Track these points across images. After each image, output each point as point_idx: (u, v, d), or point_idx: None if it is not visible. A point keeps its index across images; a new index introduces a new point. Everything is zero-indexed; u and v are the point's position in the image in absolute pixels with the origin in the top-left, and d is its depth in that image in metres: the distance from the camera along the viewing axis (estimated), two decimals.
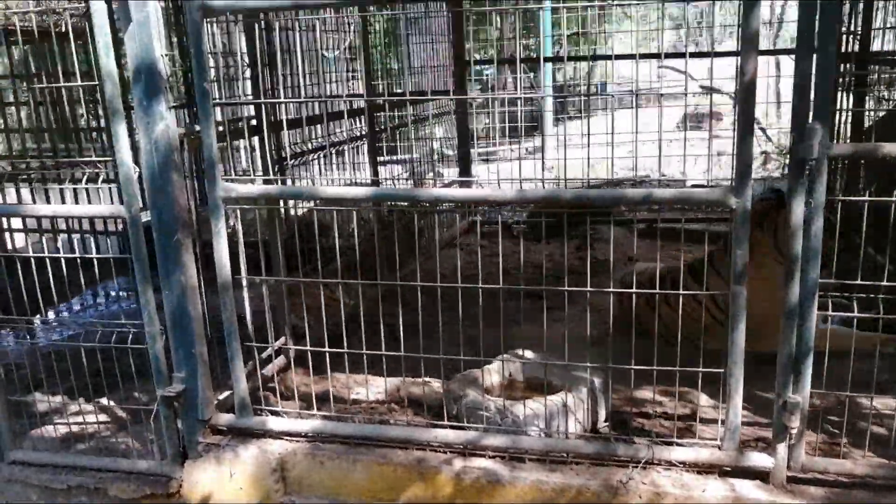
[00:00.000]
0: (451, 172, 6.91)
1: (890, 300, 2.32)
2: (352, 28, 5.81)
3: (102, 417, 3.25)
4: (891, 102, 4.56)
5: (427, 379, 3.22)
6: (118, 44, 2.58)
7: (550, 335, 3.16)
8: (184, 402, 2.75)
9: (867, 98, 4.45)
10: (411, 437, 2.65)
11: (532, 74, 9.96)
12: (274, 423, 2.78)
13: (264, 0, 2.51)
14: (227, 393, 2.96)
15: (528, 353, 3.16)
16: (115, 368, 2.92)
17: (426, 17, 6.24)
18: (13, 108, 6.06)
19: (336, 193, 2.52)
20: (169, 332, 2.71)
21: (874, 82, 4.17)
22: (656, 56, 5.62)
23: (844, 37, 4.38)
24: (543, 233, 2.52)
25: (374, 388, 3.23)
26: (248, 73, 3.64)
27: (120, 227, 5.29)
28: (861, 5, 4.31)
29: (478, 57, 7.73)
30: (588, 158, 2.66)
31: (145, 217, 2.65)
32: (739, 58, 2.11)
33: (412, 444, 2.66)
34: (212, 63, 3.28)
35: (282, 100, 2.68)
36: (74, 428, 3.18)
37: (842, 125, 4.53)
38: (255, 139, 3.25)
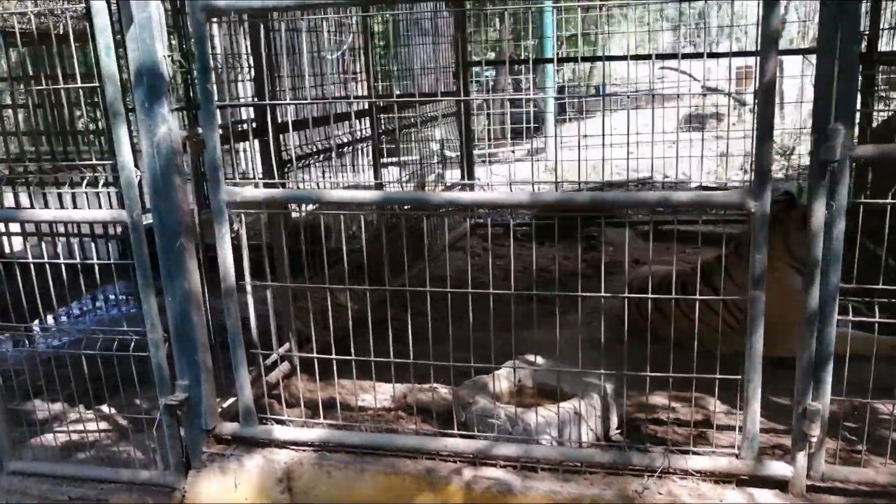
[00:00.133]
0: (452, 174, 6.86)
1: None
2: (351, 29, 5.75)
3: (103, 425, 3.19)
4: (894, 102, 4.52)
5: (435, 385, 3.16)
6: (117, 45, 2.52)
7: (555, 339, 3.12)
8: (187, 410, 2.68)
9: (873, 99, 4.42)
10: (420, 446, 2.59)
11: (532, 76, 9.91)
12: (279, 431, 2.72)
13: (269, 0, 2.45)
14: (230, 400, 2.90)
15: (538, 359, 3.10)
16: (116, 374, 2.86)
17: (426, 19, 6.19)
18: (10, 110, 6.00)
19: (343, 197, 2.46)
20: (172, 339, 2.65)
21: (885, 83, 4.13)
22: (656, 57, 5.59)
23: None
24: (556, 236, 2.45)
25: (380, 394, 3.17)
26: (246, 75, 3.59)
27: (119, 230, 5.23)
28: (868, 5, 4.28)
29: (476, 58, 7.66)
30: (583, 160, 2.61)
31: (146, 220, 2.59)
32: (759, 57, 2.05)
33: (421, 454, 2.60)
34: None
35: (288, 102, 2.62)
36: (75, 436, 3.12)
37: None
38: (254, 142, 3.21)
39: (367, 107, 5.14)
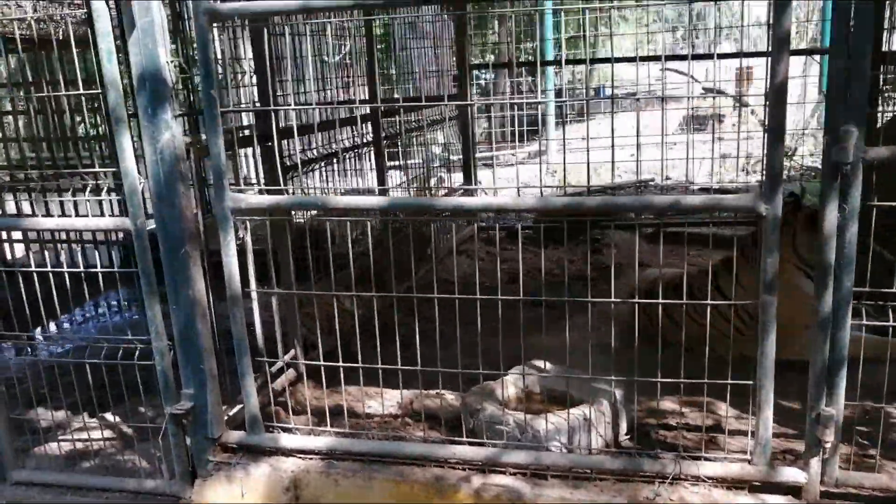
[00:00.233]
0: (453, 178, 6.84)
1: None
2: (352, 33, 5.74)
3: (107, 434, 3.17)
4: None
5: (441, 391, 3.14)
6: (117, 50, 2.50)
7: (562, 344, 3.08)
8: (192, 419, 2.66)
9: (879, 99, 4.39)
10: (429, 454, 2.56)
11: (532, 78, 9.89)
12: (286, 439, 2.69)
13: (272, 2, 2.42)
14: (237, 408, 2.88)
15: (545, 364, 3.08)
16: (121, 382, 2.83)
17: (425, 22, 6.17)
18: (10, 116, 5.98)
19: (350, 203, 2.44)
20: (177, 347, 2.62)
21: (890, 83, 4.11)
22: (655, 59, 5.57)
23: None
24: (565, 239, 2.43)
25: (387, 400, 3.15)
26: (245, 81, 3.56)
27: (120, 236, 5.20)
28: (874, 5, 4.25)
29: (475, 61, 7.65)
30: (585, 163, 2.57)
31: (149, 225, 2.56)
32: (769, 58, 2.03)
33: (429, 461, 2.58)
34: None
35: (293, 107, 2.59)
36: (79, 445, 3.09)
37: None
38: (254, 147, 3.17)
39: (367, 111, 5.12)
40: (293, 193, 3.05)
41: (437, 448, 2.57)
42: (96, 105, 5.07)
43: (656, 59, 5.33)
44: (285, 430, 2.78)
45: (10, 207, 5.48)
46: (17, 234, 5.05)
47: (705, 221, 5.48)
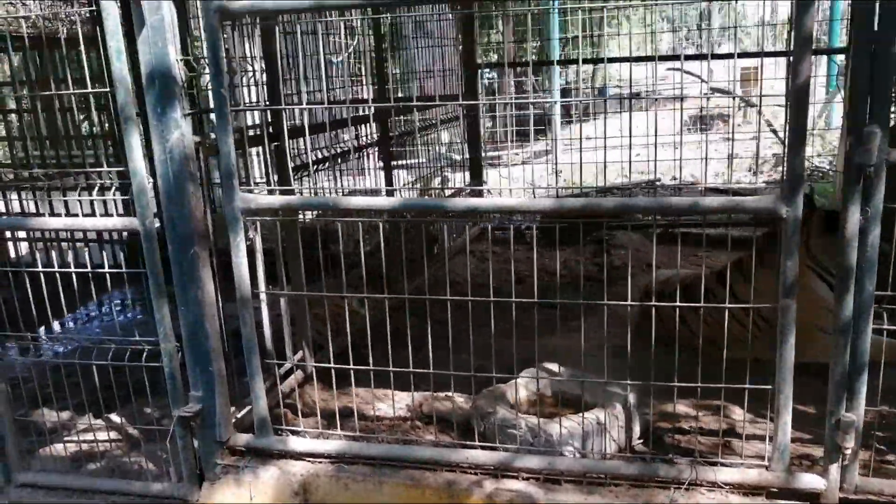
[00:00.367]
0: (457, 178, 6.81)
1: None
2: (357, 32, 5.70)
3: (114, 435, 3.14)
4: None
5: (451, 394, 3.11)
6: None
7: (573, 346, 3.04)
8: (201, 421, 2.62)
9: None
10: (440, 458, 2.53)
11: (537, 78, 9.86)
12: (296, 443, 2.65)
13: (284, 1, 2.39)
14: (244, 410, 2.84)
15: (556, 367, 3.04)
16: (127, 383, 2.80)
17: (430, 21, 6.14)
18: (13, 115, 5.96)
19: (361, 204, 2.40)
20: (185, 349, 2.59)
21: None
22: (673, 58, 5.52)
23: None
24: (581, 238, 2.41)
25: (396, 402, 3.11)
26: (251, 80, 3.51)
27: (124, 236, 5.18)
28: None
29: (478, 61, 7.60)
30: (592, 163, 2.54)
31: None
32: (791, 58, 1.99)
33: (441, 465, 2.54)
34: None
35: (305, 106, 2.56)
36: (84, 446, 3.06)
37: None
38: (264, 146, 3.14)
39: (371, 110, 5.08)
40: (302, 194, 3.02)
41: (449, 452, 2.54)
42: (103, 103, 5.06)
43: (675, 58, 5.29)
44: (294, 432, 2.74)
45: (12, 206, 5.47)
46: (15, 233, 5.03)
47: (715, 223, 5.45)
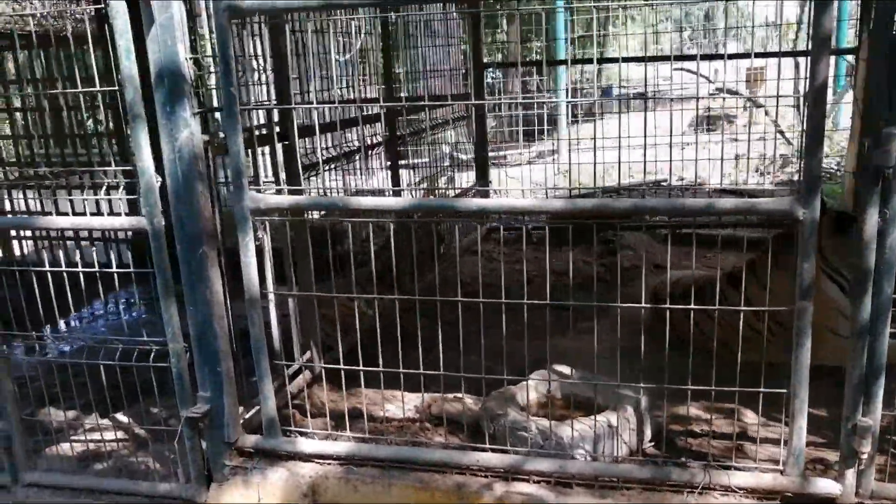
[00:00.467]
0: (463, 177, 6.78)
1: None
2: (362, 31, 5.68)
3: (121, 435, 3.12)
4: None
5: (460, 395, 3.09)
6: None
7: (583, 348, 3.01)
8: (209, 422, 2.60)
9: None
10: (450, 460, 2.51)
11: (541, 77, 9.82)
12: (305, 444, 2.63)
13: (294, 0, 2.37)
14: (252, 411, 2.82)
15: (566, 369, 3.02)
16: (134, 382, 2.78)
17: (436, 20, 6.12)
18: (18, 113, 5.94)
19: (372, 204, 2.38)
20: (193, 349, 2.57)
21: None
22: (690, 58, 5.48)
23: None
24: (595, 240, 2.38)
25: (405, 403, 3.09)
26: (255, 78, 3.50)
27: (129, 235, 5.16)
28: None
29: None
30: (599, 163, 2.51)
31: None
32: (809, 58, 1.97)
33: (451, 468, 2.52)
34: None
35: (316, 105, 2.54)
36: (91, 446, 3.04)
37: None
38: (273, 146, 3.12)
39: (377, 110, 5.06)
40: (310, 193, 3.00)
41: (459, 454, 2.52)
42: (107, 101, 5.05)
43: (692, 58, 5.26)
44: (302, 433, 2.72)
45: (18, 205, 5.45)
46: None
47: (724, 224, 5.42)
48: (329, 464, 2.63)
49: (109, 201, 2.73)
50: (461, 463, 2.51)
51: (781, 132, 7.33)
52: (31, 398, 3.06)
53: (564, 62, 7.43)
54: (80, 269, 2.69)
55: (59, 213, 2.79)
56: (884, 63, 1.93)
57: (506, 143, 6.90)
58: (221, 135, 2.57)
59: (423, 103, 5.02)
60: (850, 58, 7.24)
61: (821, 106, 2.00)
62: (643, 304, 2.40)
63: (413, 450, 2.60)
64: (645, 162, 2.24)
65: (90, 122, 6.03)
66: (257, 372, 2.59)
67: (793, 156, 7.47)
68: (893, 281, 2.04)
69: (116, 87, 2.44)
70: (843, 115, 8.83)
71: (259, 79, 3.05)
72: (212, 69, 3.43)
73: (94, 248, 4.79)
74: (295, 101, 3.58)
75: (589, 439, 2.53)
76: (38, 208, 5.35)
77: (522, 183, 6.61)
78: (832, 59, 7.72)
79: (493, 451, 2.53)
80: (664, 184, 7.04)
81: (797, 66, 7.11)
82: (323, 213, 4.28)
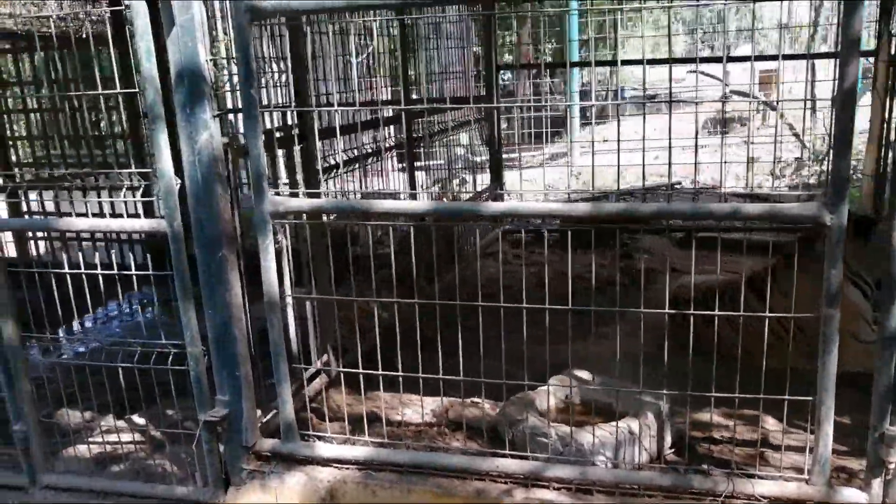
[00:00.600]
0: (477, 179, 6.75)
1: None
2: (374, 33, 5.67)
3: (138, 437, 3.11)
4: None
5: (477, 400, 3.07)
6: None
7: (602, 353, 2.98)
8: (227, 426, 2.59)
9: None
10: (470, 467, 2.48)
11: (555, 80, 9.80)
12: (323, 449, 2.62)
13: (316, 1, 2.36)
14: (270, 414, 2.81)
15: (584, 374, 3.00)
16: (153, 384, 2.77)
17: (449, 22, 6.10)
18: (33, 114, 5.97)
19: (394, 207, 2.37)
20: (212, 353, 2.56)
21: None
22: (716, 60, 5.42)
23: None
24: (618, 245, 2.37)
25: (419, 408, 3.07)
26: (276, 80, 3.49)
27: (142, 236, 5.17)
28: None
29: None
30: (609, 166, 2.49)
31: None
32: (838, 60, 1.94)
33: (470, 474, 2.50)
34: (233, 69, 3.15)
35: (336, 107, 2.52)
36: (108, 448, 3.04)
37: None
38: (290, 148, 3.11)
39: (398, 112, 5.04)
40: (327, 196, 2.99)
41: (479, 460, 2.50)
42: (121, 103, 5.05)
43: (718, 60, 5.21)
44: (320, 438, 2.71)
45: (30, 205, 5.47)
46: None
47: (740, 228, 5.36)
48: (347, 468, 2.61)
49: (125, 203, 2.74)
50: (480, 469, 2.49)
51: (797, 135, 7.27)
52: (48, 399, 3.06)
53: (587, 64, 7.39)
54: (98, 270, 2.68)
55: (79, 216, 2.78)
56: None
57: (518, 145, 6.86)
58: (241, 137, 2.56)
59: (445, 106, 5.00)
60: (863, 60, 7.18)
61: (849, 108, 1.97)
62: (667, 310, 2.36)
63: (432, 455, 2.58)
64: (670, 164, 2.22)
65: (103, 124, 6.05)
66: (275, 376, 2.58)
67: (808, 159, 7.42)
68: None
69: (137, 90, 2.44)
70: (859, 117, 8.73)
71: (278, 80, 3.03)
72: (225, 71, 3.43)
73: (103, 250, 4.81)
74: (312, 104, 3.57)
75: (609, 446, 2.51)
76: (52, 209, 5.37)
77: (536, 185, 6.59)
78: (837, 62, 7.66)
79: (513, 457, 2.51)
80: (678, 187, 7.00)
81: (812, 68, 7.06)
82: (333, 215, 4.27)
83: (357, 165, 4.53)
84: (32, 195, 5.20)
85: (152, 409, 3.16)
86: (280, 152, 3.52)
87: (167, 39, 2.37)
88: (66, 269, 2.70)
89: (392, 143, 4.97)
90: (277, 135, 3.05)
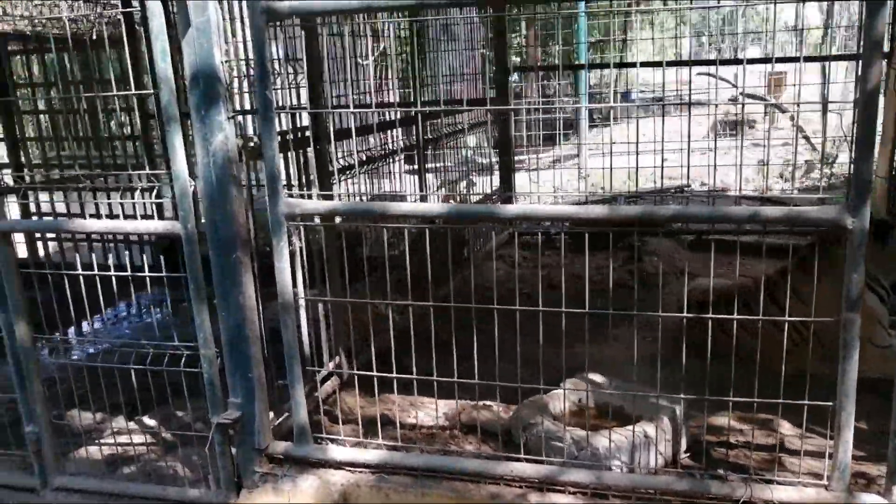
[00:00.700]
0: (484, 182, 6.74)
1: None
2: (385, 34, 5.66)
3: (149, 438, 3.11)
4: None
5: (489, 403, 3.05)
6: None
7: (615, 356, 2.97)
8: (240, 429, 2.58)
9: None
10: (485, 471, 2.47)
11: (563, 82, 9.77)
12: (336, 452, 2.60)
13: (333, 1, 2.35)
14: (283, 416, 2.80)
15: (597, 377, 2.98)
16: (165, 383, 2.76)
17: (456, 24, 6.08)
18: (42, 115, 5.98)
19: (410, 210, 2.35)
20: (225, 355, 2.55)
21: None
22: (737, 62, 5.39)
23: None
24: (635, 248, 2.34)
25: (431, 410, 3.06)
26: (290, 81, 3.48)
27: (152, 237, 5.17)
28: None
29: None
30: (618, 168, 2.47)
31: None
32: (860, 62, 1.92)
33: (484, 478, 2.48)
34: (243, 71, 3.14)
35: (352, 109, 2.51)
36: (119, 449, 3.03)
37: None
38: (305, 150, 3.11)
39: (409, 114, 5.02)
40: (340, 198, 2.97)
41: (494, 464, 2.48)
42: (131, 104, 5.06)
43: (738, 62, 5.19)
44: (333, 440, 2.69)
45: (38, 207, 5.47)
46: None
47: (750, 231, 5.33)
48: (360, 471, 2.60)
49: (133, 205, 2.73)
50: (495, 473, 2.47)
51: (806, 137, 7.24)
52: (59, 399, 3.05)
53: (605, 66, 7.36)
54: (112, 272, 2.68)
55: (93, 217, 2.78)
56: None
57: (529, 146, 6.85)
58: (255, 139, 2.55)
59: (461, 108, 4.99)
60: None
61: (872, 110, 1.95)
62: (685, 314, 2.34)
63: (446, 459, 2.56)
64: (688, 166, 2.20)
65: (112, 125, 6.06)
66: (289, 378, 2.57)
67: (818, 161, 7.38)
68: None
69: (152, 91, 2.43)
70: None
71: (292, 82, 3.02)
72: (234, 73, 3.43)
73: (109, 251, 4.80)
74: (325, 105, 3.57)
75: (625, 450, 2.49)
76: (61, 210, 5.38)
77: (544, 187, 6.58)
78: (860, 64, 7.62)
79: (528, 461, 2.49)
80: (687, 189, 6.97)
81: (824, 70, 7.02)
82: (339, 218, 4.26)
83: (369, 167, 4.53)
84: (43, 196, 5.22)
85: (163, 409, 3.16)
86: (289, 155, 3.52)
87: (182, 41, 2.36)
88: (80, 271, 2.69)
89: (402, 146, 4.95)
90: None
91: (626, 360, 2.61)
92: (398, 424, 2.86)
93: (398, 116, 4.39)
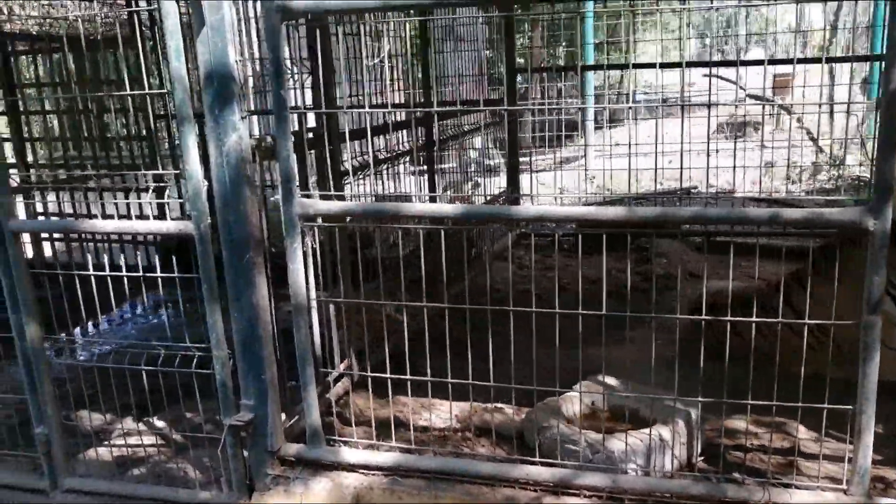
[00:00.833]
0: (490, 183, 6.72)
1: None
2: (391, 34, 5.65)
3: (159, 440, 3.09)
4: None
5: (501, 405, 3.04)
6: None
7: (626, 357, 2.94)
8: (252, 431, 2.56)
9: None
10: (499, 474, 2.45)
11: (569, 83, 9.75)
12: (349, 454, 2.59)
13: (350, 0, 2.33)
14: (294, 418, 2.79)
15: (610, 379, 2.96)
16: (176, 384, 2.74)
17: (465, 25, 6.07)
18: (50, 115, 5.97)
19: (424, 211, 2.34)
20: (237, 356, 2.54)
21: None
22: (758, 63, 5.37)
23: None
24: (652, 255, 2.33)
25: (442, 412, 3.04)
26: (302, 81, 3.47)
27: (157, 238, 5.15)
28: None
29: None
30: (623, 169, 2.45)
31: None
32: (885, 62, 1.90)
33: (498, 481, 2.46)
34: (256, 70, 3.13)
35: (368, 109, 2.50)
36: (129, 450, 3.01)
37: None
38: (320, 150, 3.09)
39: (405, 116, 5.00)
40: (351, 199, 2.96)
41: (509, 468, 2.46)
42: (137, 104, 5.05)
43: (760, 62, 5.18)
44: (345, 443, 2.68)
45: (45, 207, 5.46)
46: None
47: (763, 233, 5.32)
48: (373, 474, 2.58)
49: (139, 204, 2.71)
50: (510, 476, 2.45)
51: (814, 139, 7.22)
52: (70, 400, 3.03)
53: (623, 66, 7.32)
54: (123, 273, 2.66)
55: (105, 217, 2.76)
56: None
57: (533, 148, 6.83)
58: (268, 139, 2.54)
59: (474, 108, 4.97)
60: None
61: (895, 111, 1.93)
62: (703, 317, 2.32)
63: (460, 461, 2.54)
64: (698, 168, 2.19)
65: (118, 125, 6.05)
66: (301, 380, 2.55)
67: (825, 163, 7.36)
68: None
69: (166, 90, 2.42)
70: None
71: (304, 82, 3.01)
72: (248, 72, 3.42)
73: (112, 251, 4.78)
74: (335, 105, 3.55)
75: (640, 453, 2.47)
76: (68, 210, 5.37)
77: (549, 188, 6.56)
78: (866, 65, 7.60)
79: (543, 464, 2.47)
80: (695, 191, 6.95)
81: (831, 72, 7.01)
82: (349, 218, 4.24)
83: (379, 168, 4.51)
84: (49, 196, 5.20)
85: (174, 409, 3.14)
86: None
87: (196, 40, 2.35)
88: (91, 271, 2.68)
89: (409, 147, 4.94)
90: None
91: (641, 362, 2.58)
92: (406, 425, 2.84)
93: (414, 116, 4.36)
